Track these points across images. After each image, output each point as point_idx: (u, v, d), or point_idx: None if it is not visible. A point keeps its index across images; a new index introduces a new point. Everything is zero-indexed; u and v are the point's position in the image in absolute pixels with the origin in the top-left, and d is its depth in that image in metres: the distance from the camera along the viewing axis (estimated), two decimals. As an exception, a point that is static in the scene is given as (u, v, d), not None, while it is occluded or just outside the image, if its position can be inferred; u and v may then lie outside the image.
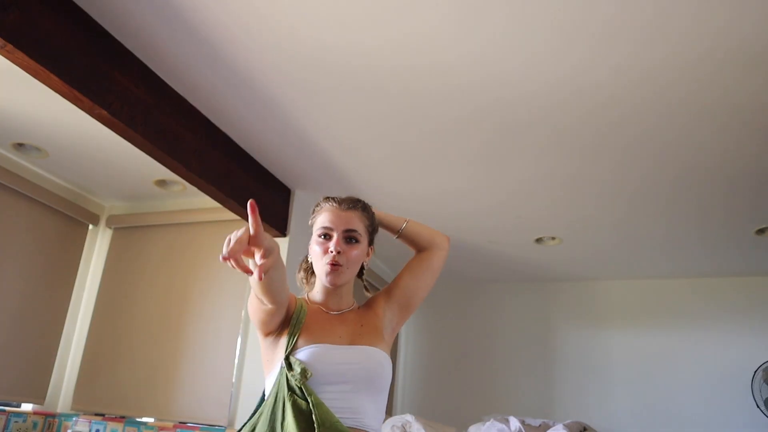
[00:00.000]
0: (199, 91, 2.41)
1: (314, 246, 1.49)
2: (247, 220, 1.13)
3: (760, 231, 3.35)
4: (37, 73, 1.87)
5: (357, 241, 1.48)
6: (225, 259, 1.06)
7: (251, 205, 1.09)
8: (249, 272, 1.09)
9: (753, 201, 3.00)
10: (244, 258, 1.11)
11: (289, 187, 3.26)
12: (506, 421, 3.21)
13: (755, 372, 3.69)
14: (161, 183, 3.33)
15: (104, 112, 2.07)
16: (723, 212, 3.16)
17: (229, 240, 1.07)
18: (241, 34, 2.03)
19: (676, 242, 3.63)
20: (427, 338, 4.73)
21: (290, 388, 1.30)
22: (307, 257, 1.58)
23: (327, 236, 1.47)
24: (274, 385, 1.36)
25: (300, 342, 1.37)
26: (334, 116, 2.50)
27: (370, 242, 1.55)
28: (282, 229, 3.14)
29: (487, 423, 3.26)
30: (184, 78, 2.33)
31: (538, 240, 3.76)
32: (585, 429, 3.35)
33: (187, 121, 2.49)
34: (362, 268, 1.59)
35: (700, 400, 3.96)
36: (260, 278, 1.11)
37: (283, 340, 1.39)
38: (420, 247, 1.64)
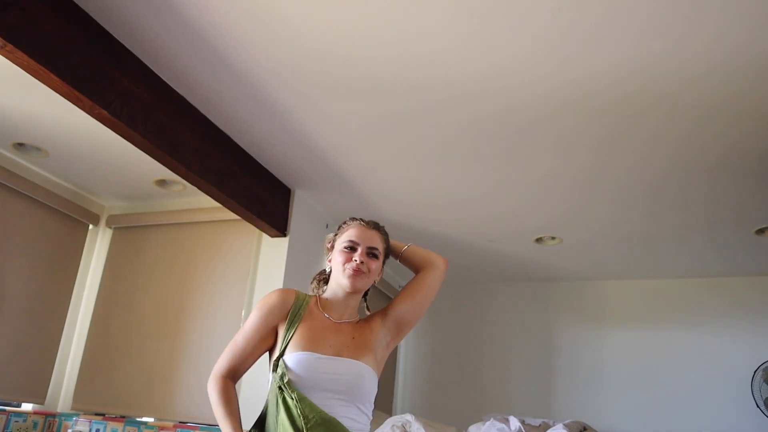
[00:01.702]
0: (199, 90, 2.41)
1: (338, 256, 1.65)
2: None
3: (760, 231, 3.35)
4: (37, 73, 1.87)
5: (376, 257, 1.67)
6: None
7: None
8: None
9: (753, 201, 3.00)
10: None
11: (289, 187, 3.26)
12: (506, 421, 3.20)
13: (755, 372, 3.69)
14: (161, 183, 3.33)
15: (104, 112, 2.08)
16: (723, 212, 3.16)
17: None
18: (241, 34, 2.03)
19: (676, 242, 3.63)
20: (427, 338, 4.73)
21: (279, 387, 1.50)
22: (324, 270, 1.72)
23: (352, 249, 1.64)
24: (270, 382, 1.55)
25: (292, 345, 1.55)
26: (334, 116, 2.50)
27: (383, 263, 1.73)
28: (282, 229, 3.14)
29: (487, 423, 3.26)
30: (184, 78, 2.33)
31: (538, 240, 3.76)
32: (585, 429, 3.35)
33: (187, 121, 2.49)
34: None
35: (700, 399, 3.96)
36: None
37: (280, 335, 1.59)
38: (418, 268, 1.78)
